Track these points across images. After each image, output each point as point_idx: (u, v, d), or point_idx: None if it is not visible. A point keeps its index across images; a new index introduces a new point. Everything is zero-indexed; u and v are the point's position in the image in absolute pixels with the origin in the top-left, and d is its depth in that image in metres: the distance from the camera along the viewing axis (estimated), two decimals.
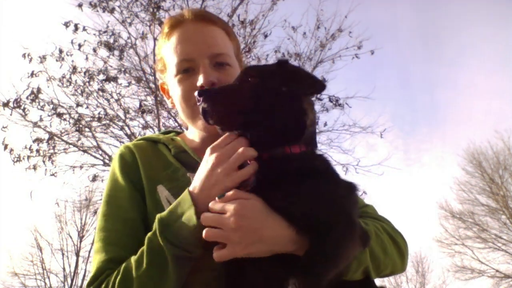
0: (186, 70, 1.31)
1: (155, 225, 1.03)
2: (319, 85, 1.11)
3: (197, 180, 1.07)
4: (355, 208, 1.06)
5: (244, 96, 1.08)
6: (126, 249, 1.10)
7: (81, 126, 8.16)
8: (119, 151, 1.36)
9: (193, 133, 1.43)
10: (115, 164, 1.31)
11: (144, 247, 1.02)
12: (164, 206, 1.18)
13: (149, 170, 1.27)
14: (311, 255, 0.92)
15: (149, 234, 1.04)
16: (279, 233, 0.95)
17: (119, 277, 1.02)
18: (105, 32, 8.49)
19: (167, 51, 1.37)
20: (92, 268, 1.14)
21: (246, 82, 1.11)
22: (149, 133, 8.58)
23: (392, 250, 1.19)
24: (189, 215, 1.00)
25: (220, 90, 1.11)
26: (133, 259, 1.04)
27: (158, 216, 1.04)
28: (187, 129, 1.52)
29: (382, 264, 1.14)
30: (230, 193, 0.99)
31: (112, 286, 1.02)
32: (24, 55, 8.04)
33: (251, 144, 1.06)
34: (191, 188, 1.06)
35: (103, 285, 1.04)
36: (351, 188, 1.09)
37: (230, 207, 0.95)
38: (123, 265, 1.04)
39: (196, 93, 1.06)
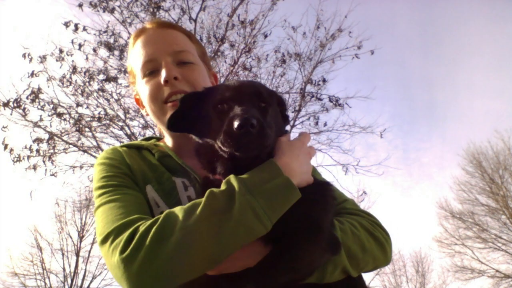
0: (151, 72, 1.34)
1: (234, 183, 0.93)
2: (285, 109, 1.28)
3: (290, 163, 1.04)
4: (326, 211, 1.07)
5: (267, 125, 1.06)
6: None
7: (81, 126, 8.15)
8: (104, 154, 1.32)
9: (168, 138, 1.44)
10: (104, 159, 1.28)
11: (205, 198, 0.92)
12: (152, 206, 1.19)
13: (138, 171, 1.27)
14: (266, 259, 0.95)
15: (217, 190, 0.93)
16: (246, 249, 0.95)
17: (157, 225, 0.91)
18: (105, 32, 8.50)
19: (133, 58, 1.41)
20: (104, 225, 1.01)
21: (259, 108, 1.09)
22: (149, 133, 8.59)
23: (372, 245, 1.19)
24: (285, 183, 0.96)
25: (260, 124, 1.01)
26: (180, 210, 0.93)
27: (233, 177, 0.96)
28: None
29: (362, 261, 1.14)
30: None
31: (146, 233, 0.91)
32: (24, 55, 8.05)
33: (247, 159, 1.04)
34: (276, 159, 1.03)
35: (134, 234, 0.93)
36: (324, 189, 1.12)
37: None
38: (162, 215, 0.93)
39: (238, 122, 0.95)
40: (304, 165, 1.09)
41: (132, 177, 1.24)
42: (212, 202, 0.91)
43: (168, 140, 1.45)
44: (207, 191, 0.94)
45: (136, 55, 1.39)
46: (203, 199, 0.92)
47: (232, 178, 0.95)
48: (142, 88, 1.37)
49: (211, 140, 1.07)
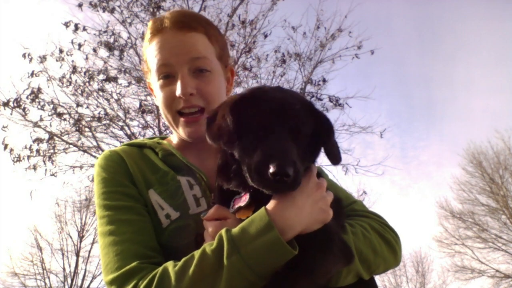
0: (166, 76, 1.33)
1: (224, 240, 0.94)
2: None
3: (287, 207, 0.97)
4: (337, 221, 1.08)
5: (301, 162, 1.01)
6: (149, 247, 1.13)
7: (81, 126, 8.16)
8: (104, 160, 1.30)
9: (175, 136, 1.46)
10: (103, 168, 1.27)
11: (196, 258, 0.95)
12: (157, 210, 1.20)
13: (139, 175, 1.26)
14: (280, 271, 0.93)
15: (208, 248, 0.95)
16: None
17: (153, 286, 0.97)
18: (105, 32, 8.51)
19: (149, 55, 1.39)
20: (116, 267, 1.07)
21: (296, 139, 1.01)
22: (149, 133, 8.59)
23: (382, 248, 1.20)
24: (274, 241, 0.91)
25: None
26: (173, 270, 0.97)
27: (224, 232, 0.96)
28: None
29: (373, 264, 1.16)
30: (211, 211, 1.08)
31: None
32: (24, 55, 8.05)
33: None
34: (269, 207, 0.97)
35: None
36: (334, 200, 1.11)
37: (209, 227, 1.05)
38: (158, 273, 0.99)
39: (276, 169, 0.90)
40: (310, 206, 0.99)
41: (133, 187, 1.24)
42: (203, 263, 0.93)
43: (174, 139, 1.47)
44: (201, 249, 0.96)
45: (152, 54, 1.36)
46: (195, 258, 0.95)
47: (223, 233, 0.95)
48: (157, 90, 1.38)
49: (237, 158, 1.02)
